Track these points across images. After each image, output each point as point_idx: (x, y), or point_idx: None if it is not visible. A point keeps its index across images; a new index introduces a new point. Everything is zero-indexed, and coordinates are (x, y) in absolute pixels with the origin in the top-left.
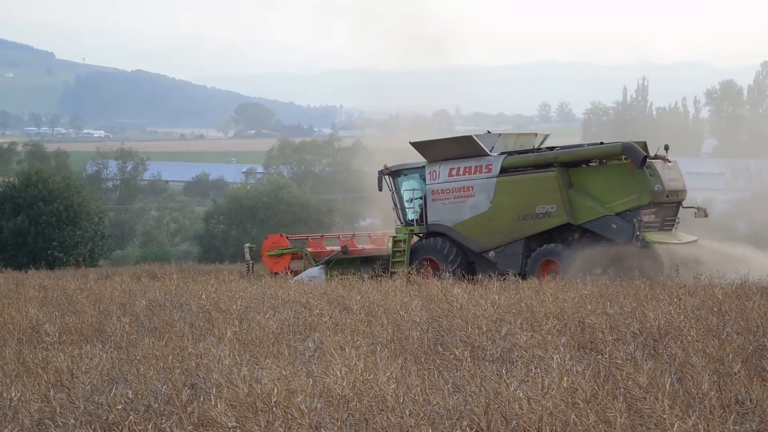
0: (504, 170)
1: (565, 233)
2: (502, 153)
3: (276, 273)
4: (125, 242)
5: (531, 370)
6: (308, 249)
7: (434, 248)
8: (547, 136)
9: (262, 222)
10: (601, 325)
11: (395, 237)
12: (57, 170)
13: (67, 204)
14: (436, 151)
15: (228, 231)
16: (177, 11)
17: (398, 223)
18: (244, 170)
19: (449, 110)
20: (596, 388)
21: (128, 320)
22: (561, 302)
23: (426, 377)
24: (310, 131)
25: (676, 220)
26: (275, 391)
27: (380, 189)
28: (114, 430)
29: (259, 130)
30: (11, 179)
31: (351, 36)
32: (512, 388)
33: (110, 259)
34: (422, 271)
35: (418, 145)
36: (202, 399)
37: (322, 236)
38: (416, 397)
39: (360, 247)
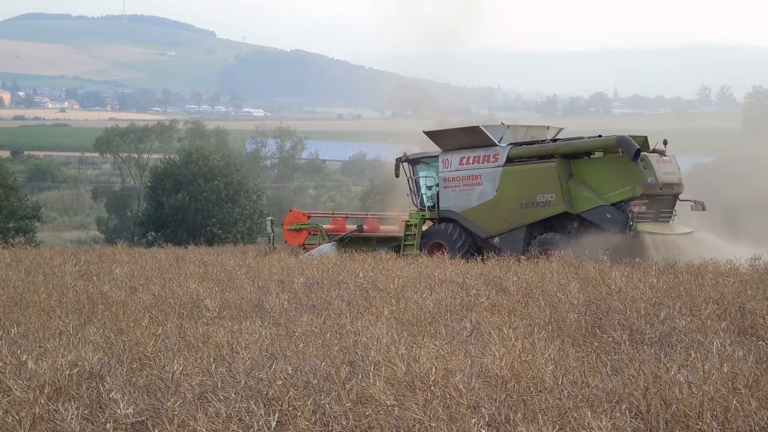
0: (510, 160)
1: (565, 222)
2: (510, 144)
3: (293, 246)
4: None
5: (690, 354)
6: (326, 226)
7: (443, 233)
8: (561, 129)
9: None
10: (762, 311)
11: (407, 221)
12: (217, 148)
13: (227, 181)
14: (448, 140)
15: (384, 210)
16: None
17: (412, 207)
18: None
19: (607, 93)
20: (758, 374)
21: (286, 297)
22: (720, 287)
23: (584, 360)
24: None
25: (674, 212)
26: (433, 370)
27: (397, 176)
28: (274, 405)
29: (416, 111)
30: (172, 156)
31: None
32: (672, 373)
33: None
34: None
35: (432, 134)
36: (360, 376)
37: (347, 216)
38: (574, 380)
39: (377, 227)
